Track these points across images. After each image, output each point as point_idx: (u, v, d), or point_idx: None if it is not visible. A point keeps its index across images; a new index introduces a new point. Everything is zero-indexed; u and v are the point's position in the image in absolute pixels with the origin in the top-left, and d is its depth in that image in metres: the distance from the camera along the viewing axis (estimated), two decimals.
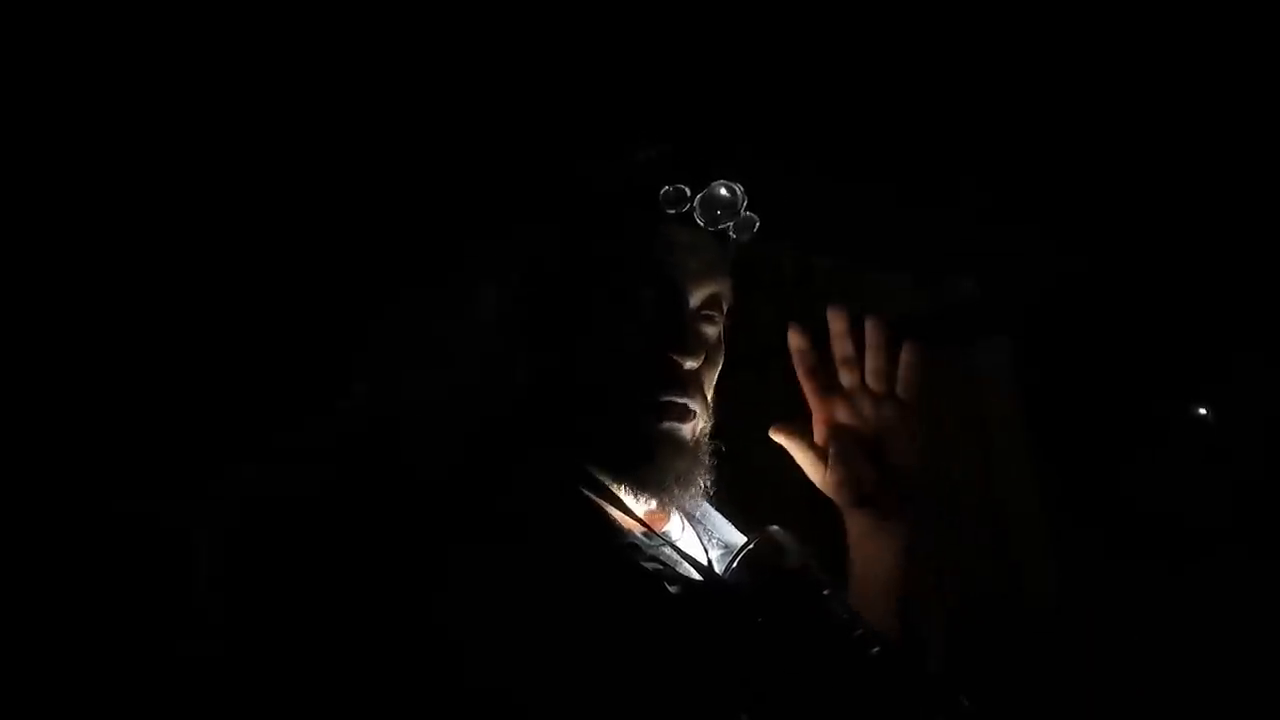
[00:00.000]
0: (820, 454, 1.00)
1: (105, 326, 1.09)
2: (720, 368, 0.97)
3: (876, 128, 1.82)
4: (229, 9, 1.05)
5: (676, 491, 0.91)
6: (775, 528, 0.88)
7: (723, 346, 0.97)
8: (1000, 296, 2.26)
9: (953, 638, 0.96)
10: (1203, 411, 2.42)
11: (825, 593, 0.82)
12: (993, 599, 2.06)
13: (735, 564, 0.85)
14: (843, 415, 1.01)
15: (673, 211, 0.90)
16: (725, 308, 0.96)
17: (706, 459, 0.94)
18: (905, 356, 1.00)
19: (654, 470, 0.89)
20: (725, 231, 0.93)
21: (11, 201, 1.02)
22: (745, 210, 0.93)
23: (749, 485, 1.00)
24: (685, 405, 0.90)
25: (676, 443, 0.90)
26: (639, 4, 1.27)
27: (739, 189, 0.92)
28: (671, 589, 0.81)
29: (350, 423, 0.98)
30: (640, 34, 1.30)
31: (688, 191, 0.90)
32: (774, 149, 1.68)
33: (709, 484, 0.95)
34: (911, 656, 0.80)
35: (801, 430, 1.02)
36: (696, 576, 0.86)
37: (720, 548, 0.97)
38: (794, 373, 1.03)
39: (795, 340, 1.02)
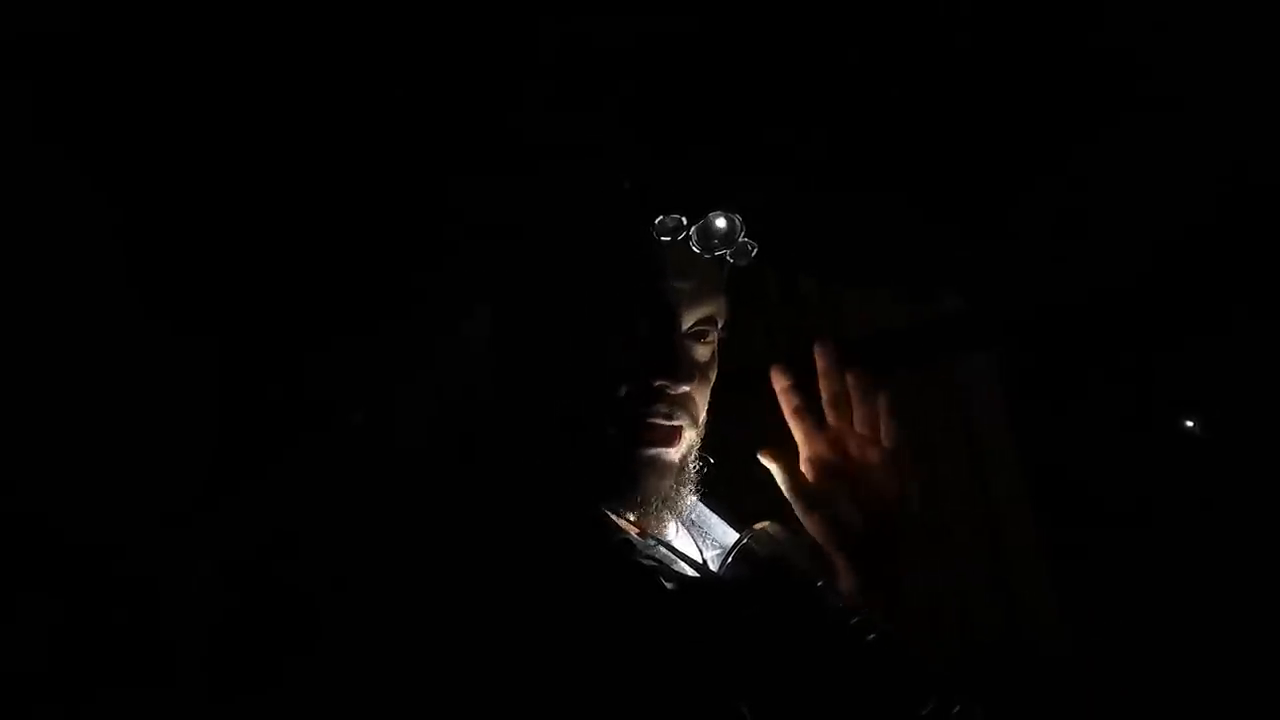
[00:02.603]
0: (807, 489, 0.95)
1: (107, 343, 1.10)
2: (712, 384, 0.96)
3: (862, 144, 1.84)
4: (220, 26, 1.07)
5: (660, 513, 0.90)
6: (768, 522, 0.89)
7: (715, 363, 0.96)
8: (986, 312, 2.28)
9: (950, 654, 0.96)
10: (1190, 424, 2.44)
11: (819, 583, 0.83)
12: (988, 615, 2.06)
13: (730, 560, 0.86)
14: (829, 455, 0.96)
15: (669, 239, 0.88)
16: (721, 324, 0.95)
17: (692, 478, 0.93)
18: (883, 404, 0.95)
19: (636, 494, 0.88)
20: (723, 257, 0.92)
21: (13, 202, 1.03)
22: (743, 238, 0.90)
23: (742, 487, 1.01)
24: (671, 428, 0.90)
25: (660, 466, 0.89)
26: (629, 25, 1.29)
27: (737, 219, 0.89)
28: (668, 585, 0.82)
29: (346, 440, 1.00)
30: (633, 55, 1.32)
31: (684, 220, 0.88)
32: (760, 166, 1.70)
33: (695, 501, 0.95)
34: (906, 643, 0.81)
35: (790, 461, 0.97)
36: (692, 574, 0.87)
37: (715, 548, 0.97)
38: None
39: (779, 380, 0.98)
